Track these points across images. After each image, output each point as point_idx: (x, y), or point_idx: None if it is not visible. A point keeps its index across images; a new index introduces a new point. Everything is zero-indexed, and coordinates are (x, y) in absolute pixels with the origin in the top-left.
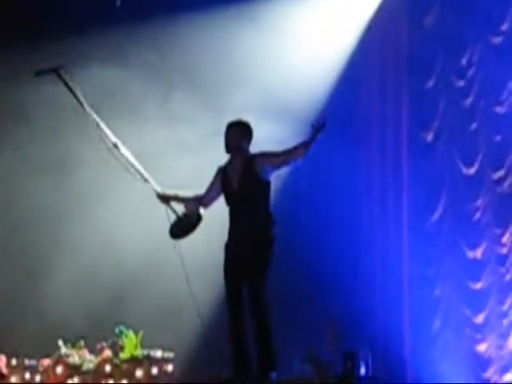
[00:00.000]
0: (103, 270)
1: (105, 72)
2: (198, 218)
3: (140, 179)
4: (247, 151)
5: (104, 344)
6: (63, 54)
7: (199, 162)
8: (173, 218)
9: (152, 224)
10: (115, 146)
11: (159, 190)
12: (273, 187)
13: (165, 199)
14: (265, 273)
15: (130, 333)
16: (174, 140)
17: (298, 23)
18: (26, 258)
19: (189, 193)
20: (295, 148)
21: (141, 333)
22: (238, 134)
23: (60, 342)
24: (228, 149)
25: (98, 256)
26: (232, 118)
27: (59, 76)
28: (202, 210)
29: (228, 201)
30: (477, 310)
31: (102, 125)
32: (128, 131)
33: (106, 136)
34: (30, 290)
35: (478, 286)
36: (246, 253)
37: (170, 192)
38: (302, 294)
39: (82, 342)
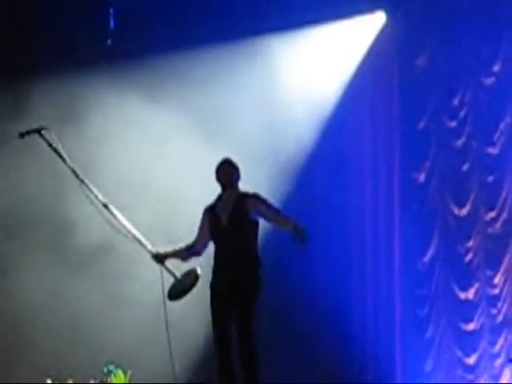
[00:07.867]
0: None
1: None
2: (196, 278)
3: (132, 240)
4: (238, 188)
5: (92, 382)
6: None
7: None
8: (166, 276)
9: None
10: (105, 206)
11: (153, 250)
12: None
13: (159, 259)
14: (253, 314)
15: (119, 372)
16: None
17: (288, 63)
18: None
19: (181, 244)
20: (284, 219)
21: (129, 372)
22: (230, 171)
23: (48, 381)
24: (223, 184)
25: None
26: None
27: (42, 136)
28: (198, 269)
29: (215, 237)
30: (469, 351)
31: (90, 185)
32: None
33: (96, 197)
34: None
35: (470, 326)
36: (234, 294)
37: (163, 250)
38: (291, 338)
39: (70, 381)
